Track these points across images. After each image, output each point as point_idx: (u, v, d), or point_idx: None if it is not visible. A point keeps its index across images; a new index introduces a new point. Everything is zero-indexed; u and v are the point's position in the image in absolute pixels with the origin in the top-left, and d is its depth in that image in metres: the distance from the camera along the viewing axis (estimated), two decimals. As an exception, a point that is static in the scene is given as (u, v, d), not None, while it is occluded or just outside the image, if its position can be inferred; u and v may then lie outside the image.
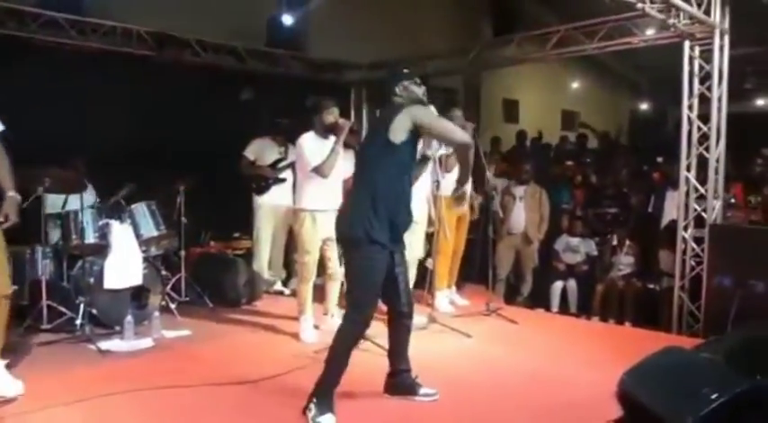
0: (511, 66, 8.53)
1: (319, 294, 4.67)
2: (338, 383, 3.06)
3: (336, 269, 4.52)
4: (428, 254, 5.24)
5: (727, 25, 5.01)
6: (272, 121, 6.10)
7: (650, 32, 5.63)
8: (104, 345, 4.16)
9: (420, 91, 3.29)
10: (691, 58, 5.14)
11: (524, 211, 6.46)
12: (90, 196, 5.15)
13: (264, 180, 5.91)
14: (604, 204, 7.11)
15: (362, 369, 3.39)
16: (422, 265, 5.24)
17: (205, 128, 6.38)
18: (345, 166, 4.40)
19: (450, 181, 4.85)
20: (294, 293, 5.21)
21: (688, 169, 5.16)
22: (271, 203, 5.91)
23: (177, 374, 3.65)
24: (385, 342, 3.44)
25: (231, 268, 5.61)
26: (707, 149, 5.05)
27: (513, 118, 12.15)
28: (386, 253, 3.09)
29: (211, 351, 4.26)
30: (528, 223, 6.45)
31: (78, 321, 4.39)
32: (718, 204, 5.07)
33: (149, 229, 5.04)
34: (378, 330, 3.59)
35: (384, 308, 3.35)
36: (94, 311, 4.48)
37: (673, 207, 5.74)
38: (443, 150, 4.75)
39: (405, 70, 3.47)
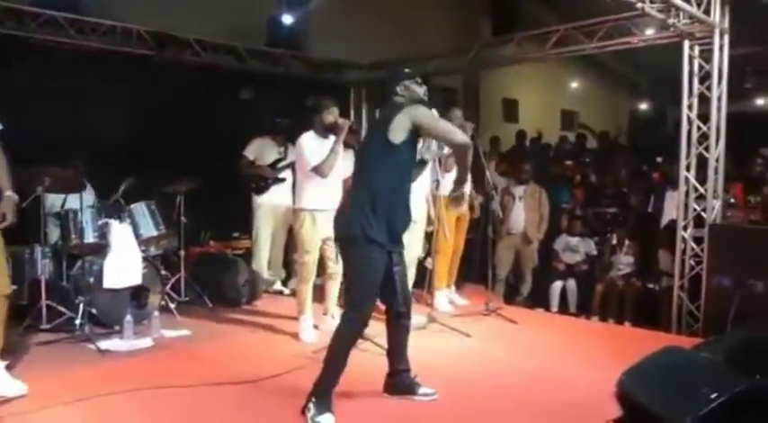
0: (510, 65, 8.53)
1: (319, 294, 4.67)
2: (337, 383, 3.06)
3: (336, 269, 4.52)
4: (427, 253, 5.24)
5: (726, 25, 5.01)
6: (272, 121, 6.10)
7: (650, 32, 5.62)
8: (104, 344, 4.16)
9: (421, 90, 3.29)
10: (690, 58, 5.13)
11: (524, 211, 6.46)
12: (89, 196, 5.15)
13: (264, 180, 5.91)
14: (604, 204, 7.11)
15: (362, 369, 3.39)
16: (421, 265, 5.24)
17: (205, 127, 6.38)
18: (345, 165, 4.40)
19: (449, 181, 4.86)
20: (294, 293, 5.21)
21: (687, 169, 5.16)
22: (270, 203, 5.91)
23: (177, 374, 3.65)
24: (384, 342, 3.43)
25: (231, 268, 5.61)
26: (706, 149, 5.05)
27: (512, 118, 12.15)
28: (384, 252, 3.08)
29: (211, 351, 4.26)
30: (527, 223, 6.44)
31: (78, 321, 4.39)
32: (717, 204, 5.06)
33: (149, 229, 5.04)
34: (377, 330, 3.59)
35: (383, 307, 3.35)
36: (94, 311, 4.48)
37: (672, 207, 5.74)
38: (447, 151, 4.75)
39: (406, 70, 3.47)
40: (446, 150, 4.76)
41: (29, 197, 4.44)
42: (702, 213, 5.07)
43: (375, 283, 3.10)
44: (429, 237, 5.19)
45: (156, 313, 4.63)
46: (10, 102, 5.14)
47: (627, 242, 6.33)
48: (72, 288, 4.65)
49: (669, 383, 2.43)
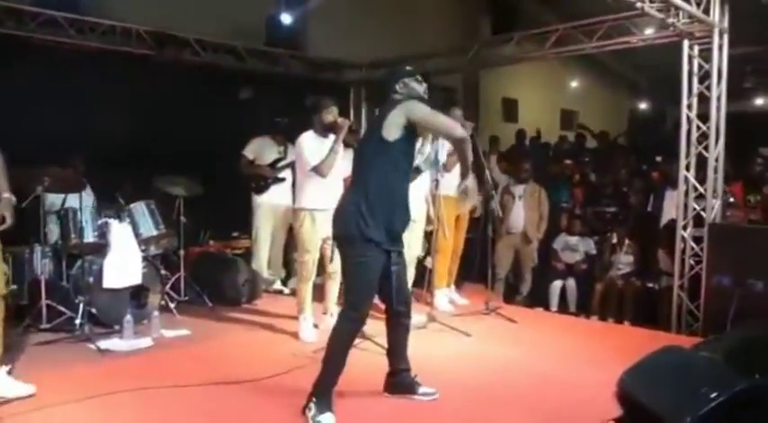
0: (510, 64, 8.54)
1: (319, 293, 4.67)
2: (336, 382, 3.06)
3: (335, 268, 4.52)
4: (427, 253, 5.25)
5: (726, 24, 5.01)
6: (272, 121, 6.10)
7: (649, 31, 5.63)
8: (104, 344, 4.16)
9: (421, 88, 3.26)
10: (690, 58, 5.13)
11: (523, 210, 6.46)
12: (88, 196, 5.15)
13: (264, 179, 5.91)
14: (603, 203, 7.10)
15: (362, 368, 3.40)
16: (421, 264, 5.25)
17: (204, 127, 6.38)
18: (345, 165, 4.39)
19: (449, 180, 4.87)
20: (293, 293, 5.22)
21: (687, 168, 5.16)
22: (270, 203, 5.92)
23: (177, 374, 3.65)
24: (384, 341, 3.43)
25: (230, 267, 5.61)
26: (706, 149, 5.05)
27: (512, 117, 12.16)
28: (381, 251, 3.06)
29: (211, 350, 4.26)
30: (527, 222, 6.44)
31: (78, 321, 4.39)
32: (717, 203, 5.07)
33: (148, 229, 5.04)
34: (377, 329, 3.59)
35: (383, 307, 3.35)
36: (94, 311, 4.48)
37: (672, 206, 5.74)
38: (444, 158, 4.78)
39: (407, 67, 3.44)
40: (443, 158, 4.79)
41: (28, 197, 4.44)
42: (702, 213, 5.07)
43: (372, 282, 3.09)
44: (429, 236, 5.19)
45: (156, 313, 4.63)
46: (10, 101, 5.16)
47: (626, 241, 6.33)
48: (72, 288, 4.65)
49: (669, 383, 2.43)
